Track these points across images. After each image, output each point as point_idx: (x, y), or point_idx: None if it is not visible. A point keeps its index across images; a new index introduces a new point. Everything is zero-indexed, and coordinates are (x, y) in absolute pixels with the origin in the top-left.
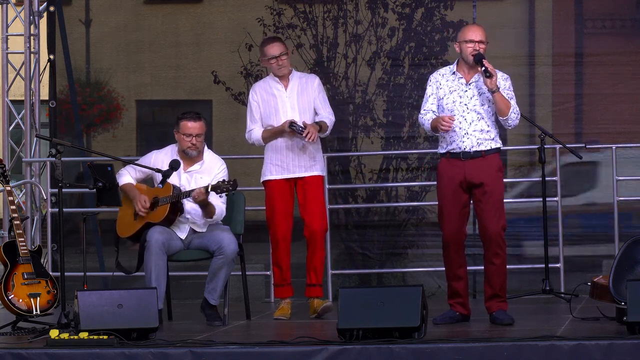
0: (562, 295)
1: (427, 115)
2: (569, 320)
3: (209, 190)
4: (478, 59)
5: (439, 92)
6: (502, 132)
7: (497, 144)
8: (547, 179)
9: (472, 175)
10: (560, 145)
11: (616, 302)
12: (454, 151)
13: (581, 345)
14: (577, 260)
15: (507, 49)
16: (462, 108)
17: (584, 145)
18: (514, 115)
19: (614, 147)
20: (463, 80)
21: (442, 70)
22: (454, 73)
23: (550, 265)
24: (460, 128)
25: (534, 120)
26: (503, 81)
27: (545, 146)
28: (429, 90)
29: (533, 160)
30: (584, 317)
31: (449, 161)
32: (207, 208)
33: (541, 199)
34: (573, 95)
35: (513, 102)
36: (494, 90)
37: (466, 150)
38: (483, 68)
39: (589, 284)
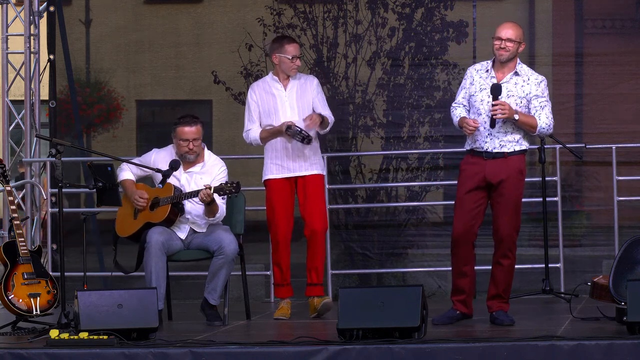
0: (562, 295)
1: (456, 110)
2: (569, 320)
3: (212, 192)
4: (492, 91)
5: (471, 88)
6: None
7: (522, 146)
8: (547, 178)
9: (491, 175)
10: (560, 145)
11: (616, 302)
12: (478, 149)
13: (581, 345)
14: (577, 260)
15: None
16: (489, 108)
17: (584, 145)
18: (544, 128)
19: (614, 147)
20: (495, 80)
21: (479, 66)
22: (487, 70)
23: (550, 265)
24: (484, 128)
25: None
26: (535, 86)
27: (545, 146)
28: (463, 83)
29: (533, 160)
30: (584, 317)
31: (472, 158)
32: (211, 206)
33: (541, 199)
34: (573, 95)
35: (546, 110)
36: (513, 119)
37: (488, 150)
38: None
39: (589, 284)
